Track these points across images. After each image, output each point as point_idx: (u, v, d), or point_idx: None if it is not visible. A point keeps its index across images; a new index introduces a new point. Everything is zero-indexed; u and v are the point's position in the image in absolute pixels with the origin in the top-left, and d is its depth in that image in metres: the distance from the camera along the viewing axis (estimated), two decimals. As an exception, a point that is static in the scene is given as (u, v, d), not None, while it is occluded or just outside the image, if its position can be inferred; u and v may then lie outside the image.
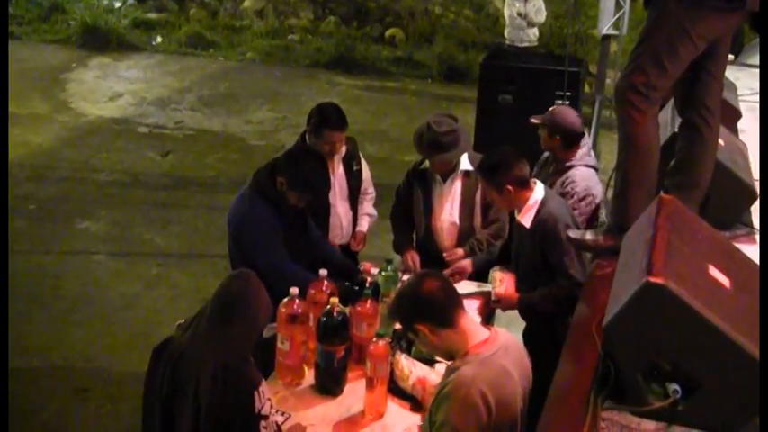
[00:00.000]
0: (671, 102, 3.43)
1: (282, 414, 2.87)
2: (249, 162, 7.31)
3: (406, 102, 10.48)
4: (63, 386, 4.75)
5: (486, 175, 3.56)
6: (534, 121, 4.14)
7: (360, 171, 4.33)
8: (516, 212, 3.59)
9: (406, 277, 3.62)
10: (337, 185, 4.22)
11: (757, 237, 3.19)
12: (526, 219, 3.53)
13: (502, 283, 3.67)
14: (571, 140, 4.06)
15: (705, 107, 2.93)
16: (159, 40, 12.57)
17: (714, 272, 2.05)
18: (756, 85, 5.15)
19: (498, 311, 3.85)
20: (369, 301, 3.19)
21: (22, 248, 6.23)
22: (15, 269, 5.47)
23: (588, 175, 4.03)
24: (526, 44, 8.62)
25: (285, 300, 3.02)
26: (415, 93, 10.89)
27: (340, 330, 3.02)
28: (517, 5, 8.52)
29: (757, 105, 4.47)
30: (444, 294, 2.47)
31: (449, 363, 2.53)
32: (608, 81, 8.43)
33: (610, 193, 3.33)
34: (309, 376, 3.12)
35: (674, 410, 1.91)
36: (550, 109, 4.22)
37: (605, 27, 7.62)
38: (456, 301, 2.49)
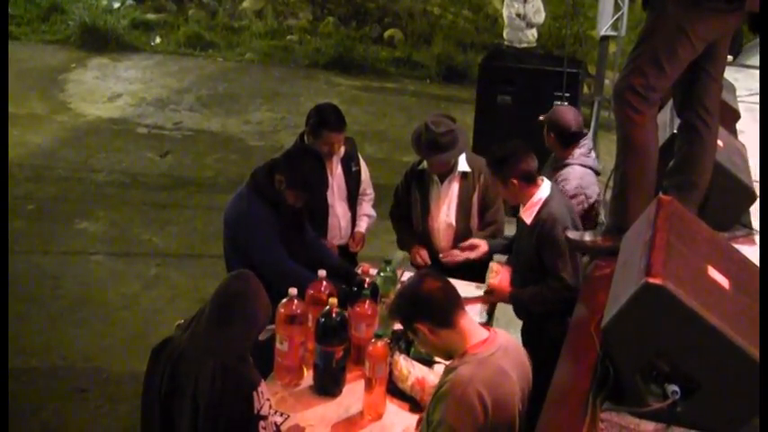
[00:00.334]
0: (670, 103, 3.43)
1: (281, 415, 2.87)
2: (248, 162, 7.30)
3: (405, 102, 10.49)
4: (62, 386, 4.75)
5: (494, 167, 3.60)
6: (540, 118, 4.22)
7: (358, 172, 4.33)
8: (521, 207, 3.63)
9: (405, 278, 3.63)
10: (336, 186, 4.22)
11: (756, 238, 3.19)
12: (528, 215, 3.56)
13: (497, 274, 3.69)
14: (566, 139, 4.10)
15: (704, 108, 2.93)
16: (158, 40, 12.56)
17: (713, 273, 2.05)
18: (755, 86, 5.15)
19: (498, 312, 3.86)
20: (367, 301, 3.19)
21: (20, 248, 6.22)
22: (14, 269, 5.46)
23: (582, 174, 4.04)
24: (525, 45, 8.63)
25: (284, 300, 3.02)
26: (414, 93, 10.89)
27: (339, 331, 3.02)
28: (516, 6, 8.53)
29: (756, 106, 4.48)
30: (444, 294, 2.48)
31: (447, 363, 2.54)
32: (607, 82, 8.44)
33: (608, 194, 3.34)
34: (308, 377, 3.12)
35: (673, 411, 1.91)
36: (553, 107, 4.31)
37: (604, 28, 7.63)
38: (456, 301, 2.50)
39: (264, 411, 2.50)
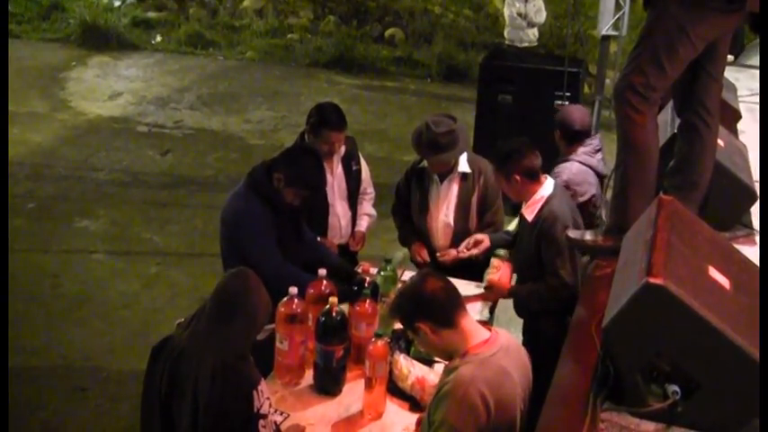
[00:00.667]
0: (670, 103, 3.43)
1: (281, 414, 2.88)
2: (248, 161, 7.24)
3: (406, 101, 10.48)
4: (62, 385, 4.75)
5: (498, 162, 3.63)
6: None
7: (359, 171, 4.33)
8: (523, 204, 3.64)
9: (405, 277, 3.63)
10: (336, 185, 4.21)
11: (757, 238, 3.19)
12: (529, 212, 3.58)
13: (497, 270, 3.70)
14: (570, 136, 4.16)
15: (704, 108, 2.93)
16: (159, 39, 12.57)
17: (714, 273, 2.05)
18: (756, 85, 5.15)
19: (498, 311, 3.86)
20: (368, 300, 3.19)
21: (21, 247, 6.22)
22: (14, 268, 5.45)
23: (577, 171, 4.05)
24: (526, 44, 8.62)
25: (284, 299, 3.01)
26: (415, 92, 10.89)
27: (339, 330, 3.01)
28: (517, 5, 8.53)
29: (757, 106, 4.48)
30: (446, 294, 2.48)
31: (447, 363, 2.54)
32: (607, 81, 8.43)
33: (609, 193, 3.34)
34: (308, 376, 3.12)
35: (673, 411, 1.91)
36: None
37: (605, 27, 7.62)
38: (457, 301, 2.50)
39: (264, 410, 2.50)
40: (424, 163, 4.11)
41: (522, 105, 7.06)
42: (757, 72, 5.44)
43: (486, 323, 3.17)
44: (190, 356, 2.53)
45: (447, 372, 2.48)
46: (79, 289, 5.80)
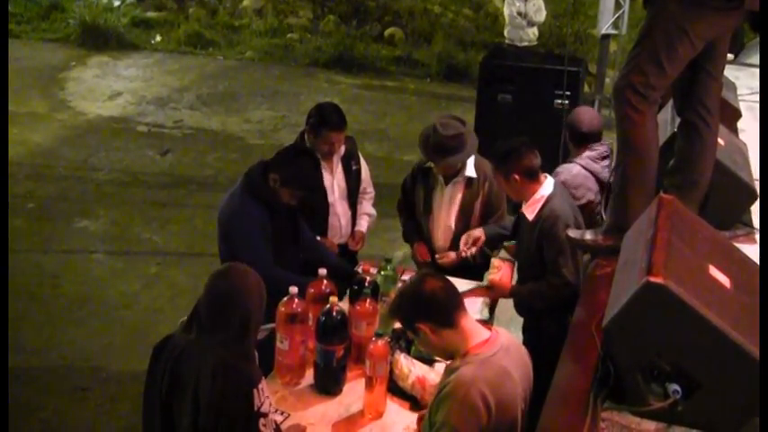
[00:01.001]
0: (670, 102, 3.43)
1: (282, 413, 2.87)
2: (248, 161, 7.18)
3: (406, 101, 10.47)
4: (62, 385, 4.75)
5: (497, 161, 3.64)
6: None
7: (359, 170, 4.32)
8: (523, 204, 3.64)
9: (405, 276, 3.63)
10: (336, 185, 4.21)
11: (757, 236, 3.19)
12: (530, 211, 3.58)
13: (498, 270, 3.70)
14: (577, 137, 4.17)
15: (704, 107, 2.93)
16: (158, 38, 12.55)
17: (714, 272, 2.05)
18: (756, 84, 5.14)
19: (498, 311, 3.86)
20: (368, 300, 3.19)
21: (20, 247, 6.22)
22: (14, 268, 5.46)
23: (576, 173, 4.04)
24: (526, 43, 8.61)
25: (284, 299, 3.01)
26: (415, 92, 10.87)
27: (339, 330, 3.01)
28: (517, 4, 8.51)
29: (757, 105, 4.47)
30: (446, 294, 2.47)
31: (448, 363, 2.53)
32: (607, 80, 8.44)
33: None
34: (309, 376, 3.12)
35: (673, 411, 1.91)
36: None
37: (605, 26, 7.64)
38: (457, 301, 2.49)
39: (265, 408, 2.50)
40: (431, 162, 4.09)
41: (521, 105, 7.05)
42: (757, 70, 5.44)
43: (487, 323, 3.17)
44: (190, 356, 2.53)
45: (448, 372, 2.48)
46: (79, 289, 5.80)
